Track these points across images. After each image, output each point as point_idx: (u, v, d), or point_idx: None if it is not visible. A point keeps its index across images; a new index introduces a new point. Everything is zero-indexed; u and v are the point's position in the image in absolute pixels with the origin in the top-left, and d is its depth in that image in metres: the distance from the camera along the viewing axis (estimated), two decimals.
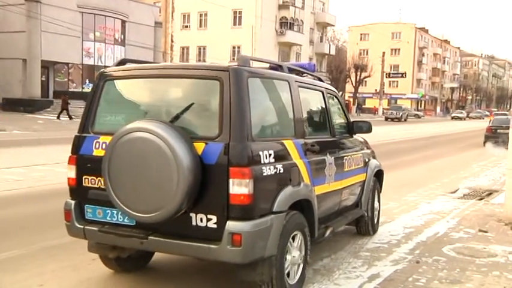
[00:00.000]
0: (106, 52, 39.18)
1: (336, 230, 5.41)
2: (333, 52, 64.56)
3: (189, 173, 3.67)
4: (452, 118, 71.67)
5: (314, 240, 4.63)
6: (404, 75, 68.62)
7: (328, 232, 4.99)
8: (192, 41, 53.49)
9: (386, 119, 52.45)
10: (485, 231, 7.15)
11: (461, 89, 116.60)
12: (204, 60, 51.83)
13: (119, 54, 40.35)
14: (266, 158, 3.93)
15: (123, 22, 40.73)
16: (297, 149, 4.39)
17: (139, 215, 3.89)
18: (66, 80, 38.04)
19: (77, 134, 4.41)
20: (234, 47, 51.80)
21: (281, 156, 4.13)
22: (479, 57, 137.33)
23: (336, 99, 5.68)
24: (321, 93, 5.28)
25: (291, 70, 4.77)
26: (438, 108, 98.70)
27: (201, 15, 53.50)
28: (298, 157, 4.38)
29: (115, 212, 4.17)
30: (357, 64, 67.61)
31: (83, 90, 37.79)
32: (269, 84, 4.31)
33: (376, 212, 6.63)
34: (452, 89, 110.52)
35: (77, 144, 4.37)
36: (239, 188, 3.70)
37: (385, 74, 63.06)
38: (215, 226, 3.78)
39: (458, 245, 6.47)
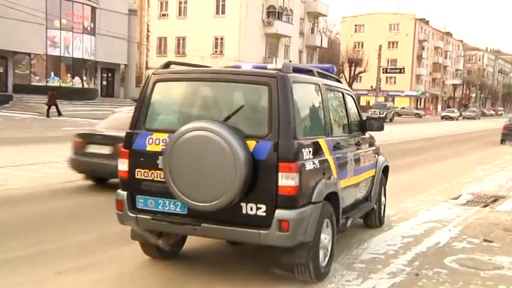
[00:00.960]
0: (74, 42, 38.75)
1: (354, 221, 6.43)
2: (325, 45, 64.99)
3: (245, 167, 4.69)
4: (443, 118, 71.10)
5: (338, 229, 5.64)
6: (402, 70, 68.43)
7: (349, 222, 6.10)
8: (171, 31, 53.31)
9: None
10: (491, 241, 7.20)
11: (465, 86, 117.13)
12: (184, 53, 51.76)
13: (89, 44, 39.97)
14: (307, 154, 4.99)
15: (93, 9, 40.36)
16: (328, 146, 5.50)
17: (199, 204, 4.86)
18: (28, 72, 37.41)
19: (129, 130, 5.36)
20: (216, 38, 51.78)
21: (317, 152, 5.21)
22: (484, 52, 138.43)
23: (352, 99, 6.86)
24: (341, 94, 6.49)
25: (311, 72, 5.91)
26: (439, 107, 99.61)
27: (180, 2, 53.29)
28: (329, 153, 5.48)
29: (167, 201, 5.15)
30: (351, 58, 67.88)
31: (47, 84, 37.19)
32: (306, 88, 5.45)
33: (382, 206, 7.93)
34: (455, 86, 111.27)
35: (130, 139, 5.33)
36: (287, 180, 4.71)
37: (381, 69, 63.12)
38: (264, 214, 4.80)
39: (461, 256, 6.51)
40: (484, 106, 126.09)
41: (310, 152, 5.07)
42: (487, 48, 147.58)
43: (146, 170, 5.25)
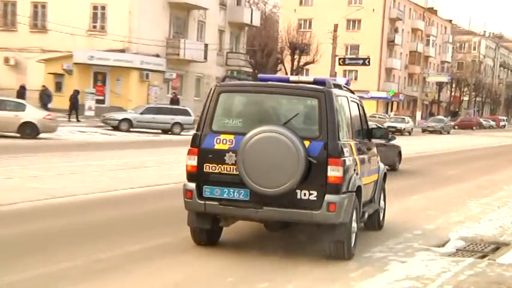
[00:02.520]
0: None
1: (366, 217, 11.02)
2: (256, 22, 65.41)
3: (304, 161, 8.86)
4: (425, 131, 72.02)
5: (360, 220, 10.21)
6: (366, 62, 67.42)
7: (365, 216, 10.75)
8: None
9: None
10: None
11: (454, 85, 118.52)
12: (44, 27, 50.80)
13: None
14: (346, 153, 9.32)
15: None
16: (356, 148, 9.98)
17: (267, 189, 9.01)
18: None
19: (196, 132, 9.57)
20: (95, 7, 51.15)
21: (351, 152, 9.56)
22: (480, 37, 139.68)
23: (363, 109, 11.56)
24: (357, 104, 11.13)
25: (336, 85, 10.23)
26: (419, 115, 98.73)
27: None
28: (356, 154, 9.95)
29: (232, 190, 9.31)
30: (293, 42, 67.98)
31: None
32: (342, 101, 9.95)
33: (382, 210, 12.38)
34: (440, 85, 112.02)
35: (198, 140, 9.52)
36: (334, 172, 8.97)
37: (337, 59, 63.25)
38: (315, 198, 9.02)
39: None
40: (481, 113, 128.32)
41: (347, 151, 9.50)
42: (484, 32, 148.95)
43: (214, 165, 9.42)
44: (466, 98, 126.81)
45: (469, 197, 17.58)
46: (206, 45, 56.45)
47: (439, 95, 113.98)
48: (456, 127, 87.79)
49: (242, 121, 9.68)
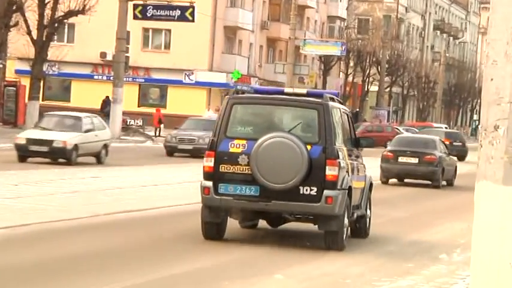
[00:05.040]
0: None
1: (355, 217, 14.96)
2: None
3: (307, 161, 13.31)
4: None
5: (349, 219, 14.40)
6: (188, 13, 47.90)
7: (355, 215, 14.71)
8: None
9: None
10: None
11: (353, 64, 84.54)
12: None
13: None
14: (340, 156, 13.84)
15: None
16: (347, 153, 14.52)
17: (276, 185, 13.30)
18: None
19: (212, 138, 13.79)
20: None
21: (344, 156, 14.09)
22: None
23: (351, 119, 16.06)
24: (346, 115, 15.45)
25: (331, 99, 14.75)
26: None
27: None
28: (348, 158, 14.37)
29: (243, 187, 13.53)
30: None
31: None
32: (336, 112, 14.51)
33: (368, 219, 15.89)
34: (327, 62, 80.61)
35: (215, 144, 13.63)
36: (331, 171, 13.49)
37: (132, 6, 47.83)
38: (315, 193, 13.47)
39: None
40: (402, 116, 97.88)
41: (341, 155, 13.71)
42: None
43: (228, 165, 13.41)
44: (374, 88, 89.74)
45: None
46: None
47: (324, 81, 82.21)
48: None
49: (253, 128, 14.01)
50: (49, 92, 69.11)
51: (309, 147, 13.32)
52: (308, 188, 13.37)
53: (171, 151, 38.80)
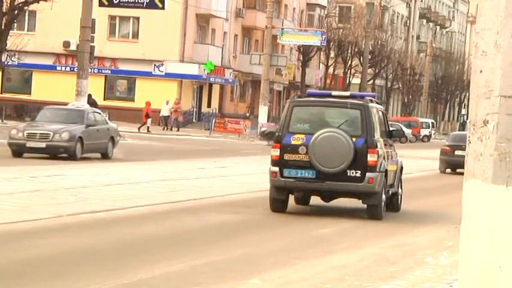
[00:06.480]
0: None
1: (390, 193, 20.40)
2: None
3: (353, 150, 18.72)
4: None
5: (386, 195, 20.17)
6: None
7: (390, 192, 20.32)
8: None
9: None
10: None
11: (334, 55, 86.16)
12: None
13: None
14: (378, 145, 19.42)
15: None
16: (384, 143, 20.09)
17: (329, 169, 18.64)
18: None
19: (278, 133, 19.67)
20: None
21: (381, 146, 19.68)
22: None
23: (385, 116, 21.95)
24: (381, 112, 21.42)
25: (371, 100, 20.80)
26: (262, 114, 67.37)
27: None
28: (384, 148, 19.96)
29: (303, 171, 18.90)
30: None
31: None
32: (374, 111, 20.14)
33: (399, 196, 21.16)
34: (306, 53, 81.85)
35: (280, 138, 19.17)
36: (372, 157, 19.00)
37: None
38: (360, 175, 18.91)
39: None
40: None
41: (379, 145, 19.06)
42: None
43: (291, 154, 18.57)
44: (356, 80, 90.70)
45: None
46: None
47: (303, 73, 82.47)
48: None
49: (309, 125, 18.91)
50: (8, 84, 68.85)
51: (354, 139, 18.21)
52: (354, 171, 18.30)
53: (18, 151, 31.50)
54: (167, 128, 64.43)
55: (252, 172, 31.70)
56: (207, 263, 12.65)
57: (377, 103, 21.15)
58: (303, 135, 18.67)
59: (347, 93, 21.84)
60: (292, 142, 18.61)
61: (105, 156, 33.28)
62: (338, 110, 19.87)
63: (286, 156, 18.58)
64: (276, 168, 18.66)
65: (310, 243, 15.89)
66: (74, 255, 12.93)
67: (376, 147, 18.71)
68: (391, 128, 22.71)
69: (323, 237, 16.84)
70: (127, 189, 23.00)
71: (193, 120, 72.63)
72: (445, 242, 16.32)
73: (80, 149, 31.52)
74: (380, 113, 20.44)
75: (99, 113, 35.73)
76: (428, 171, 40.56)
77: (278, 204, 19.31)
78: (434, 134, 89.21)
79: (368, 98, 20.46)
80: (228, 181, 28.21)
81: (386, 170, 19.22)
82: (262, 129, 62.59)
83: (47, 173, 25.82)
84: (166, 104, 64.37)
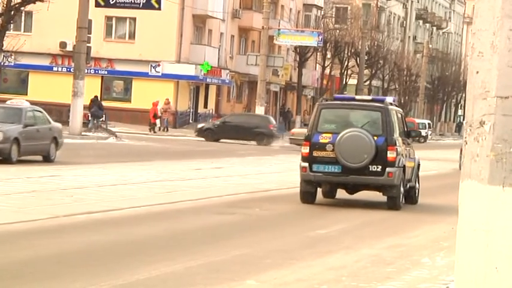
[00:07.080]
0: None
1: (408, 187, 22.98)
2: None
3: (374, 148, 21.56)
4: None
5: (404, 188, 22.89)
6: (154, 0, 51.81)
7: (408, 186, 22.97)
8: None
9: None
10: None
11: (330, 55, 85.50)
12: None
13: None
14: (397, 144, 22.19)
15: None
16: (402, 142, 22.84)
17: (353, 164, 21.32)
18: None
19: (308, 133, 22.33)
20: None
21: (400, 144, 22.45)
22: None
23: (403, 117, 24.82)
24: (400, 114, 24.07)
25: (390, 103, 23.77)
26: (260, 110, 68.14)
27: None
28: (402, 145, 22.68)
29: (330, 166, 21.56)
30: None
31: None
32: (393, 112, 23.03)
33: (417, 190, 23.99)
34: (303, 54, 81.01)
35: (309, 137, 21.92)
36: (391, 154, 21.78)
37: None
38: (380, 170, 21.75)
39: None
40: None
41: (398, 143, 21.76)
42: None
43: (319, 151, 21.26)
44: (353, 81, 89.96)
45: None
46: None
47: (300, 73, 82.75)
48: None
49: (336, 125, 21.41)
50: (5, 85, 68.51)
51: (375, 138, 20.62)
52: (375, 166, 20.69)
53: None
54: (160, 129, 64.26)
55: (248, 173, 32.21)
56: (204, 263, 12.60)
57: (396, 106, 23.92)
58: (330, 134, 21.06)
59: (369, 97, 26.13)
60: (320, 140, 21.02)
61: (47, 159, 30.03)
62: (361, 112, 22.48)
63: (315, 153, 20.95)
64: (306, 164, 20.93)
65: (307, 244, 15.74)
66: (70, 255, 12.86)
67: (395, 145, 21.10)
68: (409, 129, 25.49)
69: (320, 238, 16.76)
70: (123, 190, 23.03)
71: (190, 121, 72.30)
72: (442, 242, 16.32)
73: (16, 151, 28.12)
74: (399, 115, 22.86)
75: (40, 112, 31.70)
76: (428, 171, 40.74)
77: (308, 196, 21.54)
78: (430, 135, 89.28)
79: (388, 101, 23.02)
80: (225, 182, 28.23)
81: (404, 166, 21.65)
82: (199, 125, 61.90)
83: (43, 173, 25.72)
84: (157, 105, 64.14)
